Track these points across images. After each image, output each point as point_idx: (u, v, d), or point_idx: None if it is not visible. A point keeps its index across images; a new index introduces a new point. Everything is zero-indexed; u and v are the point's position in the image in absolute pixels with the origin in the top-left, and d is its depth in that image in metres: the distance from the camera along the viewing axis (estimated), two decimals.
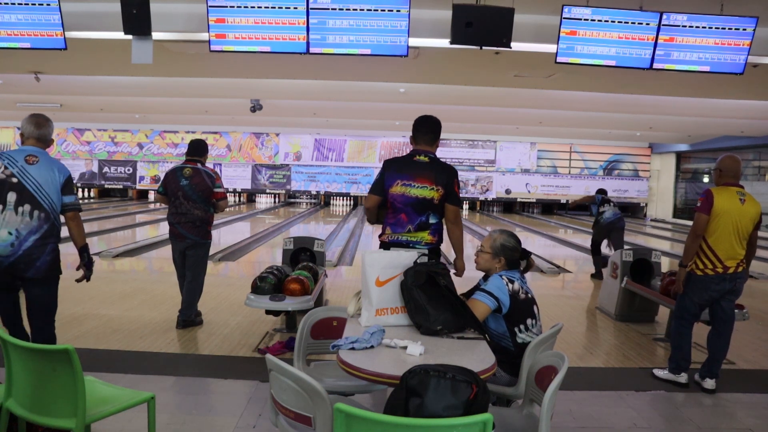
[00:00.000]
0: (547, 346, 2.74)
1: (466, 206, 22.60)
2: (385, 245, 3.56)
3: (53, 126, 3.44)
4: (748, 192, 4.06)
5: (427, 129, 3.57)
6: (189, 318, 5.14)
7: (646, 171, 22.35)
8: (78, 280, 3.43)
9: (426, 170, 3.46)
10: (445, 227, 3.59)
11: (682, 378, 4.07)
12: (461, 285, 3.04)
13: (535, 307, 2.90)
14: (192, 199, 5.00)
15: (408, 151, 3.62)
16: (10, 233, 3.13)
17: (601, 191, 8.68)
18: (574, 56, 5.64)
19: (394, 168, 3.53)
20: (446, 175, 3.46)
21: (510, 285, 2.83)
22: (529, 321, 2.84)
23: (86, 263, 3.46)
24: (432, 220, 3.48)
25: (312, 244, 5.80)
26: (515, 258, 2.97)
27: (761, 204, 4.19)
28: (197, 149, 5.21)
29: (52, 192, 3.22)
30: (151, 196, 23.29)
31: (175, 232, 5.08)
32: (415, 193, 3.44)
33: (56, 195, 3.24)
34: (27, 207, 3.16)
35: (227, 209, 5.22)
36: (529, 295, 2.90)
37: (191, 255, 5.10)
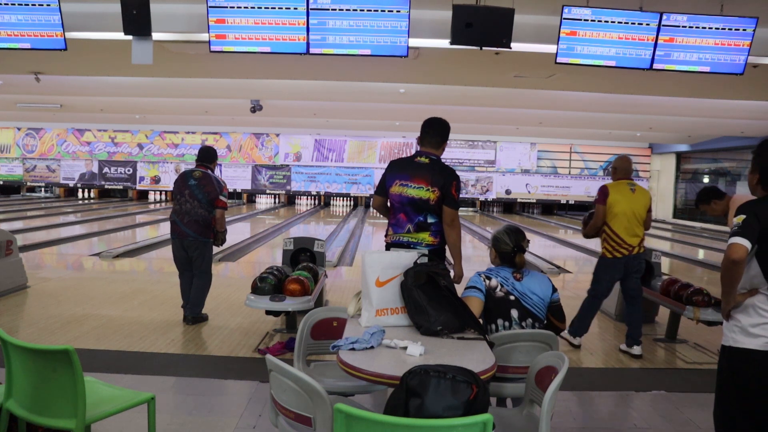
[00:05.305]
0: (534, 347, 2.65)
1: (470, 208, 22.56)
2: (388, 246, 3.56)
3: None
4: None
5: (434, 132, 3.53)
6: (197, 315, 5.21)
7: (646, 171, 22.31)
8: None
9: (424, 171, 3.44)
10: None
11: (576, 341, 4.87)
12: (461, 286, 3.03)
13: (514, 311, 2.79)
14: (198, 198, 5.08)
15: (410, 152, 3.61)
16: None
17: None
18: (574, 56, 5.64)
19: (395, 168, 3.55)
20: (443, 177, 3.41)
21: (487, 281, 2.84)
22: (500, 321, 2.79)
23: None
24: (431, 220, 3.46)
25: (312, 245, 5.80)
26: (506, 251, 2.93)
27: None
28: (207, 156, 5.32)
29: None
30: (151, 196, 23.31)
31: (177, 229, 5.12)
32: (411, 193, 3.43)
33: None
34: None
35: (226, 219, 5.23)
36: (511, 297, 2.81)
37: (197, 256, 5.16)
